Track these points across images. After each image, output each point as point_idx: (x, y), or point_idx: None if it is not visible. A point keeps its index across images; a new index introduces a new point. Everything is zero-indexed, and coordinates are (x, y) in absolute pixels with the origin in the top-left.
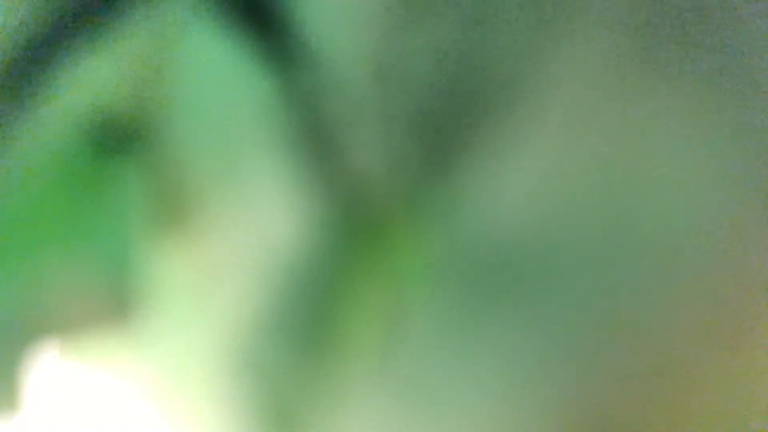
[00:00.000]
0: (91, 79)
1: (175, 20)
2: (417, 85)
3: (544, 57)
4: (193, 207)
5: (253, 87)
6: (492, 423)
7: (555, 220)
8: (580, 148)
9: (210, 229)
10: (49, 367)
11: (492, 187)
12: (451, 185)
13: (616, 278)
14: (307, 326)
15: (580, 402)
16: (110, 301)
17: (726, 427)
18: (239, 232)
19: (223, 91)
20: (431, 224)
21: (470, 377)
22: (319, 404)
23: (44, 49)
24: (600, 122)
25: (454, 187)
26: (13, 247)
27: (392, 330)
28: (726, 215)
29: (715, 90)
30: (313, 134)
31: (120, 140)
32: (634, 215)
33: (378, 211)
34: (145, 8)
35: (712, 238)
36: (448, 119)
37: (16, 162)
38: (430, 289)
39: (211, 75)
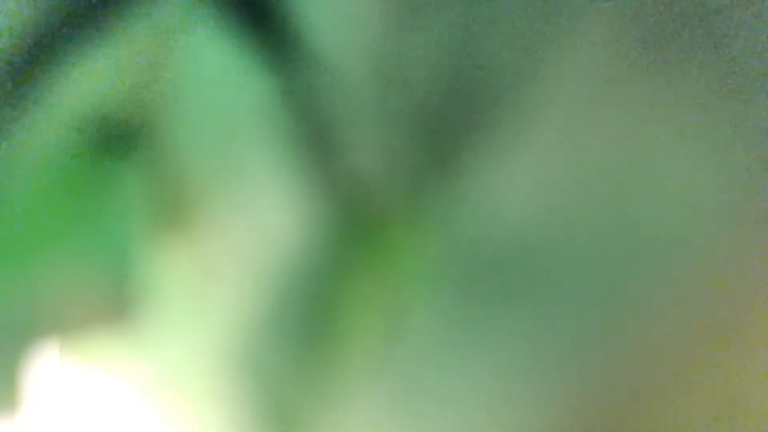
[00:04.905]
0: (91, 79)
1: (175, 20)
2: (417, 85)
3: (544, 57)
4: (193, 207)
5: (253, 87)
6: (492, 423)
7: (555, 219)
8: (580, 148)
9: (210, 229)
10: (49, 367)
11: (492, 186)
12: (451, 185)
13: (616, 277)
14: (306, 326)
15: (580, 401)
16: (110, 301)
17: (726, 427)
18: (239, 232)
19: (223, 90)
20: (431, 224)
21: (470, 377)
22: (319, 404)
23: (44, 49)
24: (600, 122)
25: (454, 186)
26: (13, 247)
27: (392, 330)
28: (726, 214)
29: (715, 90)
30: (313, 134)
31: (120, 140)
32: (635, 215)
33: (378, 211)
34: (145, 8)
35: (713, 237)
36: (448, 119)
37: (16, 162)
38: (430, 289)
39: (211, 75)
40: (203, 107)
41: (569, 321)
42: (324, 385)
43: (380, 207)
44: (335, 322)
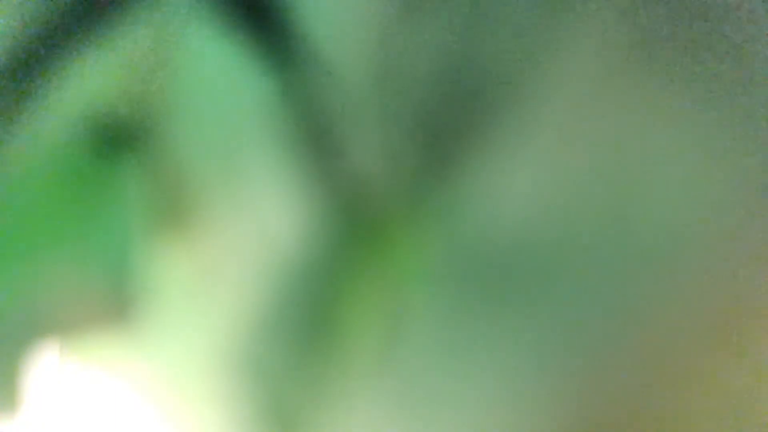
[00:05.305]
0: (91, 79)
1: (175, 20)
2: (417, 85)
3: (544, 57)
4: (193, 207)
5: (253, 87)
6: (492, 423)
7: (555, 219)
8: (580, 148)
9: (210, 229)
10: (49, 367)
11: (492, 186)
12: (451, 185)
13: (615, 278)
14: (307, 326)
15: (579, 402)
16: (110, 301)
17: (726, 427)
18: (239, 232)
19: (223, 90)
20: (431, 224)
21: (470, 377)
22: (319, 404)
23: (44, 49)
24: (600, 122)
25: (454, 186)
26: (13, 247)
27: (392, 330)
28: (726, 215)
29: (715, 90)
30: (313, 134)
31: (120, 140)
32: (634, 215)
33: (378, 211)
34: (145, 8)
35: (712, 237)
36: (448, 119)
37: (16, 162)
38: (430, 289)
39: (211, 75)
40: (204, 107)
41: (569, 320)
42: (324, 385)
43: (380, 207)
44: (335, 321)
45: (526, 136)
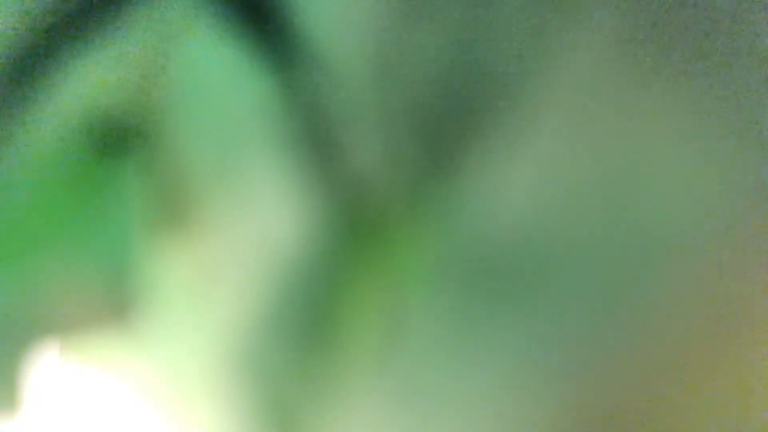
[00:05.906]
0: (91, 79)
1: (175, 20)
2: (417, 86)
3: (543, 57)
4: (193, 207)
5: (253, 87)
6: (492, 423)
7: (555, 219)
8: (579, 148)
9: (210, 229)
10: (49, 367)
11: (492, 186)
12: (451, 185)
13: (616, 277)
14: (307, 326)
15: (581, 402)
16: (110, 301)
17: (726, 427)
18: (239, 232)
19: (223, 91)
20: (431, 224)
21: (471, 377)
22: (319, 404)
23: (44, 50)
24: (601, 122)
25: (454, 186)
26: (13, 247)
27: (392, 330)
28: (726, 215)
29: (716, 91)
30: (313, 134)
31: (120, 140)
32: (634, 215)
33: (378, 211)
34: (145, 8)
35: (712, 237)
36: (448, 119)
37: (16, 162)
38: (430, 289)
39: (211, 75)
40: (204, 107)
41: (570, 320)
42: (324, 384)
43: (380, 207)
44: (335, 321)
45: (525, 136)
